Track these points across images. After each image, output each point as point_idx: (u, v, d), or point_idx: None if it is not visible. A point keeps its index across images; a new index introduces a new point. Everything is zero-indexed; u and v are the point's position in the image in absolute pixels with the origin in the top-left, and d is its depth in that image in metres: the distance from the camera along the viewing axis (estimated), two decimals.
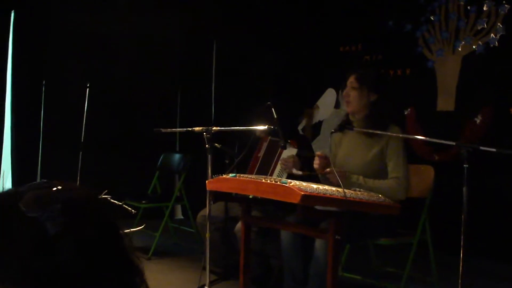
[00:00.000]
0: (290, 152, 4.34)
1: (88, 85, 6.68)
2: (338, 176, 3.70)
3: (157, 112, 8.03)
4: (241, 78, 8.06)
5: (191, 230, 6.26)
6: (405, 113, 6.85)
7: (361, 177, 3.86)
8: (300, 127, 7.65)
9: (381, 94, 4.08)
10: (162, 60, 8.00)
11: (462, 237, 3.29)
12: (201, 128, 4.24)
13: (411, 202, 4.27)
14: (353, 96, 4.03)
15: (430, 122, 6.58)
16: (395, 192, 3.84)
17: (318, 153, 3.98)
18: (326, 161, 3.90)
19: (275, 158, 4.47)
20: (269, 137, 4.64)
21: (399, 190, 3.86)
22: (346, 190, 3.20)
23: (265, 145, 4.67)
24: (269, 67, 7.90)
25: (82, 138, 6.69)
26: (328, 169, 3.79)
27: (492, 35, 6.17)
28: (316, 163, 3.92)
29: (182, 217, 8.43)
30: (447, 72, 6.51)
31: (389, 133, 3.88)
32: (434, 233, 4.44)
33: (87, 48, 7.59)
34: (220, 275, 5.12)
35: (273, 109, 4.07)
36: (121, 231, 1.07)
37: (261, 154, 4.65)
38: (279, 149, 4.38)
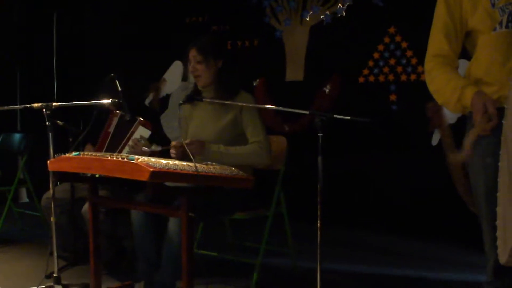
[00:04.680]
0: (144, 132, 4.13)
1: None
2: (198, 146, 3.65)
3: None
4: (84, 51, 7.74)
5: (38, 214, 5.93)
6: (254, 84, 6.81)
7: (221, 146, 3.79)
8: (147, 101, 7.46)
9: (225, 59, 4.01)
10: None
11: (319, 206, 3.26)
12: (40, 104, 3.95)
13: (266, 174, 4.21)
14: (201, 70, 3.95)
15: (279, 93, 6.59)
16: (259, 155, 3.84)
17: (173, 143, 3.85)
18: (182, 149, 3.76)
19: (127, 135, 4.22)
20: (120, 112, 4.39)
21: (262, 154, 3.84)
22: (197, 165, 3.05)
23: (115, 120, 4.43)
24: (114, 40, 7.62)
25: None
26: (187, 141, 3.68)
27: (339, 5, 6.22)
28: (173, 153, 3.78)
29: (27, 201, 8.06)
30: (295, 42, 6.53)
31: (239, 103, 3.82)
32: (291, 205, 4.41)
33: None
34: (69, 261, 4.89)
35: (117, 81, 3.87)
36: None
37: (111, 129, 4.40)
38: (132, 128, 4.16)
